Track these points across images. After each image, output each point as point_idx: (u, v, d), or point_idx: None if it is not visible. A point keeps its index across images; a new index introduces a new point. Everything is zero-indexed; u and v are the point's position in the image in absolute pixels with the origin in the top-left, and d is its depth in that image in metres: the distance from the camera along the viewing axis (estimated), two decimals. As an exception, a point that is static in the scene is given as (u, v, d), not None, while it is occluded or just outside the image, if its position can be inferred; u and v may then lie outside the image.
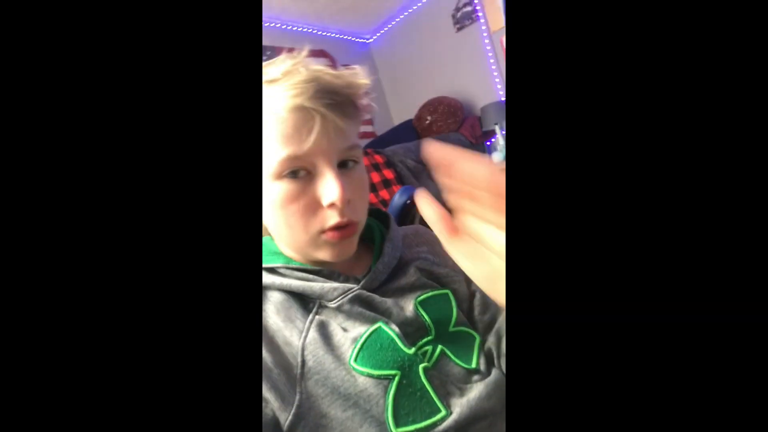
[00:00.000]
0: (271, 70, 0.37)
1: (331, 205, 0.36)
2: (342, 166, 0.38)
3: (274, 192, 0.37)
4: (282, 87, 0.35)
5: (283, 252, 0.42)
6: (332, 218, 0.37)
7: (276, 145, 0.35)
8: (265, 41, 2.10)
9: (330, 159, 0.37)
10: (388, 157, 1.67)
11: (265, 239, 0.43)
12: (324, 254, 0.39)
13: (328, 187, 0.36)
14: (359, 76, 0.38)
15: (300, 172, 0.36)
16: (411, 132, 2.29)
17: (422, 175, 1.71)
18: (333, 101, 0.35)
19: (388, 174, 1.61)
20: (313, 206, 0.37)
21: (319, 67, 0.37)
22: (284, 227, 0.38)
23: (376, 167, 1.59)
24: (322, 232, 0.37)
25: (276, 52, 2.11)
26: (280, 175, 0.36)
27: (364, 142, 2.25)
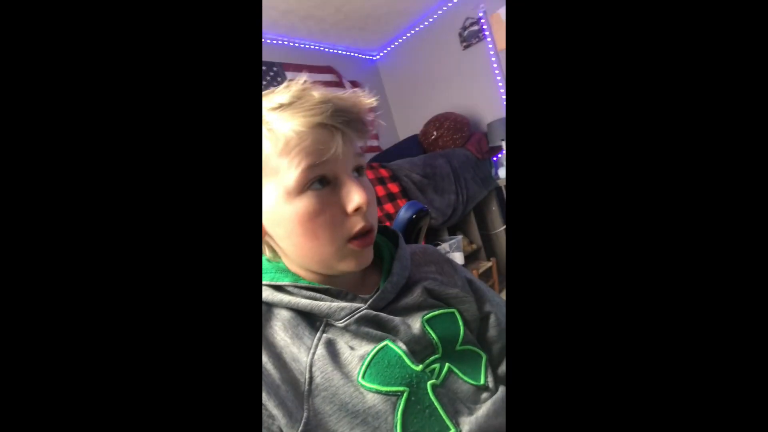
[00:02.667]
0: (277, 96, 0.38)
1: (357, 210, 0.38)
2: (354, 175, 0.40)
3: (297, 208, 0.37)
4: (296, 110, 0.37)
5: (292, 270, 0.42)
6: (358, 223, 0.38)
7: (297, 160, 0.36)
8: (273, 58, 2.12)
9: (348, 168, 0.39)
10: (394, 171, 1.66)
11: (274, 262, 0.44)
12: (348, 264, 0.40)
13: (353, 193, 0.38)
14: (364, 96, 0.41)
15: (322, 183, 0.38)
16: (416, 147, 2.29)
17: (427, 190, 1.69)
18: (347, 119, 0.38)
19: (393, 188, 1.60)
20: (339, 214, 0.38)
21: (324, 90, 0.39)
22: (309, 241, 0.39)
23: (381, 181, 1.57)
24: (349, 240, 0.39)
25: (283, 68, 2.13)
26: (302, 189, 0.37)
27: (369, 156, 2.24)
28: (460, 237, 1.80)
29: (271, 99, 0.39)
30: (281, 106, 0.38)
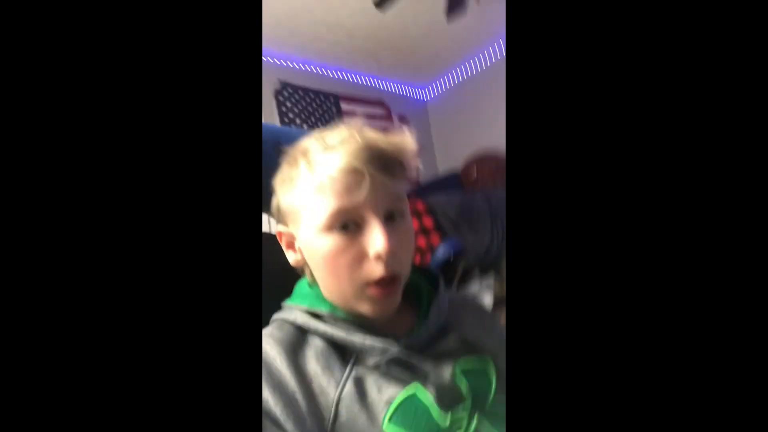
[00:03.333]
0: (329, 138, 0.40)
1: (378, 257, 0.37)
2: (389, 219, 0.39)
3: (324, 244, 0.38)
4: (339, 153, 0.38)
5: (330, 300, 0.43)
6: (377, 270, 0.38)
7: (327, 201, 0.38)
8: (331, 89, 2.28)
9: (377, 212, 0.38)
10: (430, 205, 1.68)
11: (315, 286, 0.45)
12: (366, 309, 0.40)
13: (375, 238, 0.37)
14: (408, 139, 0.41)
15: (349, 225, 0.38)
16: (456, 183, 2.31)
17: (462, 227, 1.69)
18: (383, 164, 0.38)
19: (428, 222, 1.62)
20: (360, 258, 0.38)
21: (372, 134, 0.40)
22: (331, 278, 0.40)
23: (416, 214, 1.61)
24: (367, 285, 0.39)
25: (339, 98, 2.28)
26: (330, 228, 0.38)
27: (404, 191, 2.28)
28: (492, 278, 1.77)
29: (326, 139, 0.40)
30: (327, 149, 0.39)
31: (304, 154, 0.41)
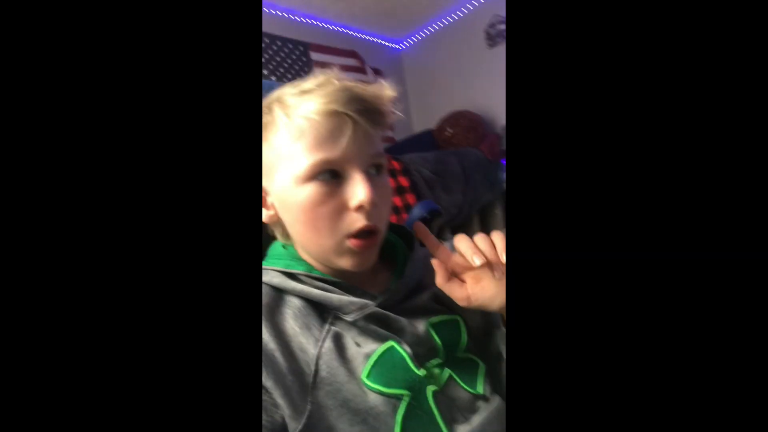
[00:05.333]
0: (305, 83, 0.39)
1: (359, 208, 0.37)
2: (370, 172, 0.39)
3: (302, 195, 0.37)
4: (316, 95, 0.37)
5: (305, 259, 0.43)
6: (359, 221, 0.38)
7: (307, 149, 0.36)
8: (300, 37, 2.13)
9: (359, 164, 0.38)
10: (405, 165, 1.68)
11: (288, 246, 0.45)
12: (345, 262, 0.40)
13: (358, 189, 0.37)
14: (386, 88, 0.40)
15: (330, 175, 0.37)
16: (430, 142, 2.30)
17: (437, 187, 1.71)
18: (363, 108, 0.37)
19: (404, 181, 1.62)
20: (341, 209, 0.37)
21: (349, 80, 0.39)
22: (310, 231, 0.39)
23: (392, 173, 1.60)
24: (348, 237, 0.38)
25: (309, 48, 2.14)
26: (309, 178, 0.37)
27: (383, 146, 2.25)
28: (462, 236, 1.83)
29: (297, 85, 0.39)
30: (303, 92, 0.38)
31: (279, 100, 0.39)
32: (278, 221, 0.42)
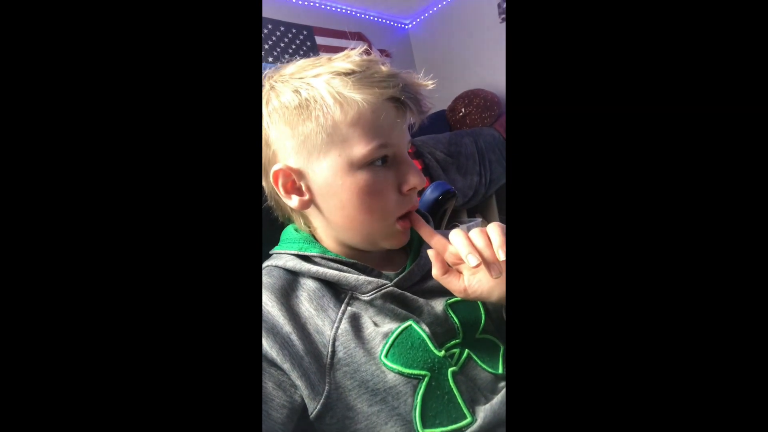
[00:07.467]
0: (338, 63, 0.38)
1: (411, 190, 0.39)
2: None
3: (359, 180, 0.37)
4: (364, 80, 0.36)
5: (321, 242, 0.43)
6: (409, 204, 0.40)
7: (365, 135, 0.36)
8: (304, 20, 2.07)
9: (406, 147, 0.40)
10: (418, 147, 1.63)
11: (303, 232, 0.44)
12: (391, 242, 0.41)
13: (411, 174, 0.39)
14: (422, 78, 0.41)
15: (382, 161, 0.38)
16: (443, 123, 2.23)
17: (450, 169, 1.66)
18: (410, 95, 0.38)
19: (416, 164, 1.57)
20: (395, 193, 0.39)
21: (388, 64, 0.40)
22: (363, 214, 0.39)
23: (403, 157, 1.55)
24: (397, 219, 0.40)
25: (313, 32, 2.08)
26: (365, 164, 0.37)
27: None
28: (479, 220, 1.78)
29: (331, 66, 0.38)
30: (346, 74, 0.37)
31: (312, 84, 0.37)
32: (310, 206, 0.41)
